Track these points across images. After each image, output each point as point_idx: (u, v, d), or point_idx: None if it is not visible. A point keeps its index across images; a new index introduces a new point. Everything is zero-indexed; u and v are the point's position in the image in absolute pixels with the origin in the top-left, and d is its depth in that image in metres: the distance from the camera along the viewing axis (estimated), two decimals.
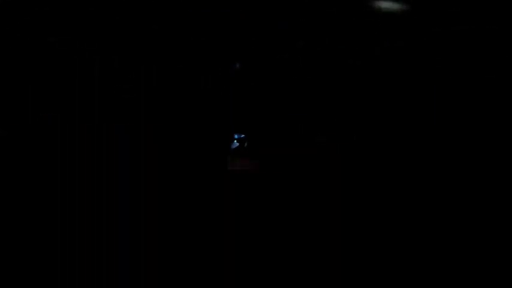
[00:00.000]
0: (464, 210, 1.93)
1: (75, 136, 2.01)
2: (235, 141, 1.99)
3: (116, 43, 2.04)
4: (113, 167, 2.01)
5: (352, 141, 2.01)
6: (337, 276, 1.92)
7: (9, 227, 1.94)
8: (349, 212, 1.98)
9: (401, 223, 1.95)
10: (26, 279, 1.91)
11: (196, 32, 2.04)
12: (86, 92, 2.04)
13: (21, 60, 2.02)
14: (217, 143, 2.01)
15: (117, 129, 2.02)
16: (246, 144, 1.99)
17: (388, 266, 1.92)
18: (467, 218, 1.93)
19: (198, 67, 2.05)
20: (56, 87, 2.03)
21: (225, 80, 2.04)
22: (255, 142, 2.00)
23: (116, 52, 2.04)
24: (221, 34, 2.04)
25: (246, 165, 1.99)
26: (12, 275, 1.90)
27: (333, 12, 2.01)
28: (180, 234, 1.96)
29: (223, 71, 2.04)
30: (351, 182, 2.00)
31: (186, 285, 1.92)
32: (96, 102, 2.03)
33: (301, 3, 2.01)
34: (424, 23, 1.98)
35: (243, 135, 1.99)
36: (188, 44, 2.05)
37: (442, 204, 1.95)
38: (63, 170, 2.00)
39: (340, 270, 1.93)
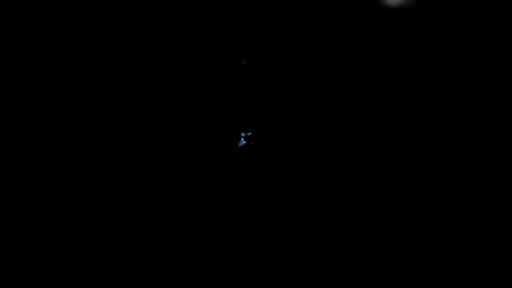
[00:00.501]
0: (463, 210, 1.94)
1: (75, 136, 2.01)
2: (242, 139, 1.99)
3: (116, 43, 2.04)
4: (113, 167, 2.01)
5: (352, 141, 2.02)
6: (337, 275, 1.92)
7: (9, 228, 1.94)
8: (349, 211, 1.98)
9: (401, 223, 1.96)
10: (26, 279, 1.90)
11: (197, 32, 2.04)
12: (86, 92, 2.03)
13: (21, 60, 2.01)
14: (219, 142, 2.01)
15: (117, 129, 2.02)
16: (252, 142, 1.98)
17: (387, 264, 1.92)
18: (467, 218, 1.93)
19: (199, 67, 2.05)
20: (56, 87, 2.03)
21: (226, 79, 2.04)
22: (260, 141, 2.00)
23: (115, 52, 2.03)
24: (222, 34, 2.05)
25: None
26: (13, 275, 1.89)
27: (333, 12, 2.02)
28: (181, 234, 1.96)
29: (224, 70, 2.04)
30: (351, 181, 2.00)
31: (186, 284, 1.92)
32: (96, 102, 2.03)
33: (302, 3, 2.02)
34: (424, 23, 1.98)
35: (249, 134, 1.99)
36: (188, 44, 2.05)
37: (442, 204, 1.95)
38: (63, 170, 1.99)
39: (340, 269, 1.93)
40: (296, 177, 2.00)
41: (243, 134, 1.98)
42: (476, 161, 1.96)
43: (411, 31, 1.98)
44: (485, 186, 1.94)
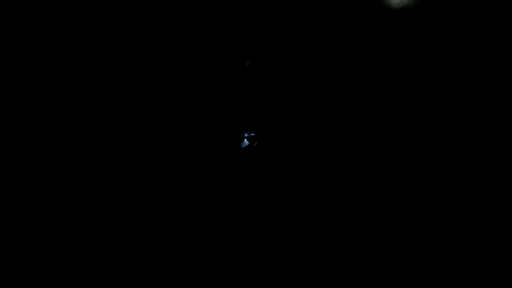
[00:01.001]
0: (460, 211, 1.95)
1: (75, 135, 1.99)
2: (245, 140, 1.99)
3: (118, 42, 2.03)
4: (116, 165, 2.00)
5: (353, 139, 2.02)
6: (337, 275, 1.92)
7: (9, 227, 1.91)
8: (351, 211, 1.98)
9: (399, 222, 1.96)
10: (26, 279, 1.87)
11: (201, 30, 2.04)
12: (88, 91, 2.02)
13: (21, 60, 1.99)
14: (225, 142, 2.01)
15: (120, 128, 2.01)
16: (256, 143, 1.98)
17: (386, 264, 1.92)
18: (464, 219, 1.94)
19: (204, 65, 2.04)
20: (56, 86, 2.01)
21: (232, 78, 2.04)
22: (265, 141, 2.00)
23: (118, 51, 2.02)
24: (226, 32, 2.05)
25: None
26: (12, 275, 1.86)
27: (333, 12, 2.03)
28: (182, 234, 1.95)
29: (230, 70, 2.04)
30: (352, 180, 2.00)
31: (186, 284, 1.90)
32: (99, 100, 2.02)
33: (304, 2, 2.03)
34: (427, 23, 2.00)
35: (253, 134, 1.99)
36: (193, 45, 2.04)
37: (440, 205, 1.97)
38: (62, 168, 1.97)
39: (339, 269, 1.93)
40: (303, 175, 2.00)
41: (246, 135, 1.98)
42: (475, 161, 1.97)
43: (414, 31, 2.00)
44: (486, 187, 1.95)
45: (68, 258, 1.90)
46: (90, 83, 2.01)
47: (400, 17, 1.99)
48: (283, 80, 2.05)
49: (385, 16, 1.99)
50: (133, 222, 1.95)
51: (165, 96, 2.02)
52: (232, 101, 2.03)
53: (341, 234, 1.96)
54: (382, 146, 2.01)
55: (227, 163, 2.00)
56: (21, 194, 1.94)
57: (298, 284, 1.91)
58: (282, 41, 2.05)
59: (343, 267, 1.92)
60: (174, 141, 2.01)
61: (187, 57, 2.04)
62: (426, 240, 1.93)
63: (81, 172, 1.97)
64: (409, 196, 1.97)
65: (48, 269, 1.89)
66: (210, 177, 1.99)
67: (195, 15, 2.04)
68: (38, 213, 1.93)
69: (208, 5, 2.04)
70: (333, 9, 2.03)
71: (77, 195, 1.95)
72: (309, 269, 1.92)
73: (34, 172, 1.95)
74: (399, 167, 1.99)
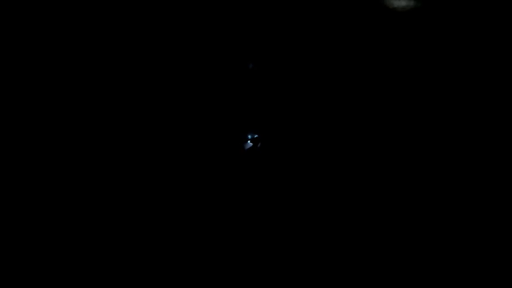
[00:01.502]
0: (460, 211, 1.96)
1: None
2: (249, 141, 1.99)
3: (119, 42, 2.03)
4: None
5: (357, 141, 2.03)
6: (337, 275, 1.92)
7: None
8: (351, 212, 1.98)
9: (399, 222, 1.97)
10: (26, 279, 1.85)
11: (205, 31, 2.04)
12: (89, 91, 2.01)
13: (21, 60, 1.98)
14: (228, 143, 2.01)
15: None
16: (259, 144, 1.98)
17: (385, 264, 1.92)
18: (464, 219, 1.95)
19: (207, 67, 2.04)
20: (56, 86, 2.00)
21: (235, 79, 2.04)
22: (268, 142, 2.00)
23: (119, 51, 2.02)
24: (230, 34, 2.05)
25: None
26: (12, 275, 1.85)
27: (339, 15, 2.04)
28: (186, 236, 1.94)
29: (233, 71, 2.04)
30: (355, 182, 2.01)
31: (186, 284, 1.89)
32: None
33: (308, 5, 2.03)
34: (424, 23, 2.01)
35: (256, 135, 1.99)
36: (197, 47, 2.05)
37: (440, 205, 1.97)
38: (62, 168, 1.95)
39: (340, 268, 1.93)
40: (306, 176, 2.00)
41: (249, 136, 1.98)
42: (475, 162, 1.98)
43: (420, 35, 2.01)
44: (486, 188, 1.96)
45: (68, 258, 1.89)
46: (96, 86, 2.01)
47: (406, 21, 1.99)
48: (286, 81, 2.05)
49: (390, 20, 2.00)
50: (137, 224, 1.94)
51: (169, 97, 2.02)
52: (236, 102, 2.04)
53: (343, 236, 1.96)
54: (387, 148, 2.01)
55: (230, 164, 2.00)
56: (21, 194, 1.93)
57: (300, 284, 1.91)
58: (285, 44, 2.05)
59: (345, 268, 1.92)
60: (178, 143, 2.01)
61: (191, 59, 2.04)
62: (426, 240, 1.93)
63: (84, 172, 1.96)
64: (411, 198, 1.98)
65: (48, 269, 1.88)
66: (214, 178, 1.99)
67: (198, 17, 2.05)
68: (38, 213, 1.92)
69: (212, 7, 2.04)
70: (338, 13, 2.04)
71: (79, 195, 1.95)
72: (311, 270, 1.92)
73: (34, 172, 1.94)
74: (403, 173, 2.00)
